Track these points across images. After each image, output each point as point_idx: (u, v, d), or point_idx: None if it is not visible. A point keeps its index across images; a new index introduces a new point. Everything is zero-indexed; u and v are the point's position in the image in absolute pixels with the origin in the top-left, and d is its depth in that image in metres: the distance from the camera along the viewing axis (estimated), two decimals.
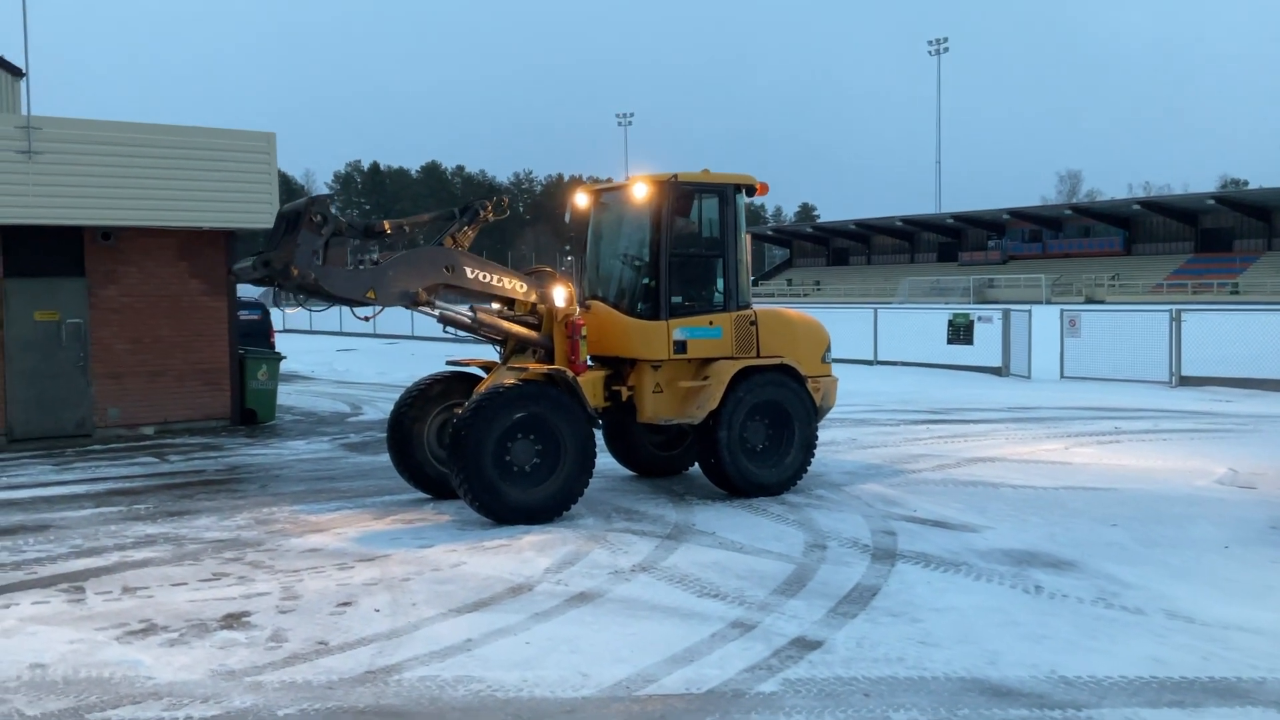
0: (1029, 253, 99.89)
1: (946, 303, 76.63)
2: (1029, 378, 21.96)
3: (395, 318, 50.69)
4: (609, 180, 11.74)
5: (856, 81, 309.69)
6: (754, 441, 10.69)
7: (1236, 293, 78.90)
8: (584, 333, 10.21)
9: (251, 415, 17.73)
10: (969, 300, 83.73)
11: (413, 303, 9.78)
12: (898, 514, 9.73)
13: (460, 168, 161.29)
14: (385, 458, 13.98)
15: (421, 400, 10.83)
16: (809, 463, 10.95)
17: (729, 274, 10.88)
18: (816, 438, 11.00)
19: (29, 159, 14.87)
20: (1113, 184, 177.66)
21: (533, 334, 10.45)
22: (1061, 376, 21.88)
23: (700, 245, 10.99)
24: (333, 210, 9.50)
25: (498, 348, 11.13)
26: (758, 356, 10.86)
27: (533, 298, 10.41)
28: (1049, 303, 75.16)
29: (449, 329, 10.58)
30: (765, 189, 11.14)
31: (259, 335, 24.43)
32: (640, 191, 10.54)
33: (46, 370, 15.79)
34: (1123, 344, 21.27)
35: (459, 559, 8.40)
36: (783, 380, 10.75)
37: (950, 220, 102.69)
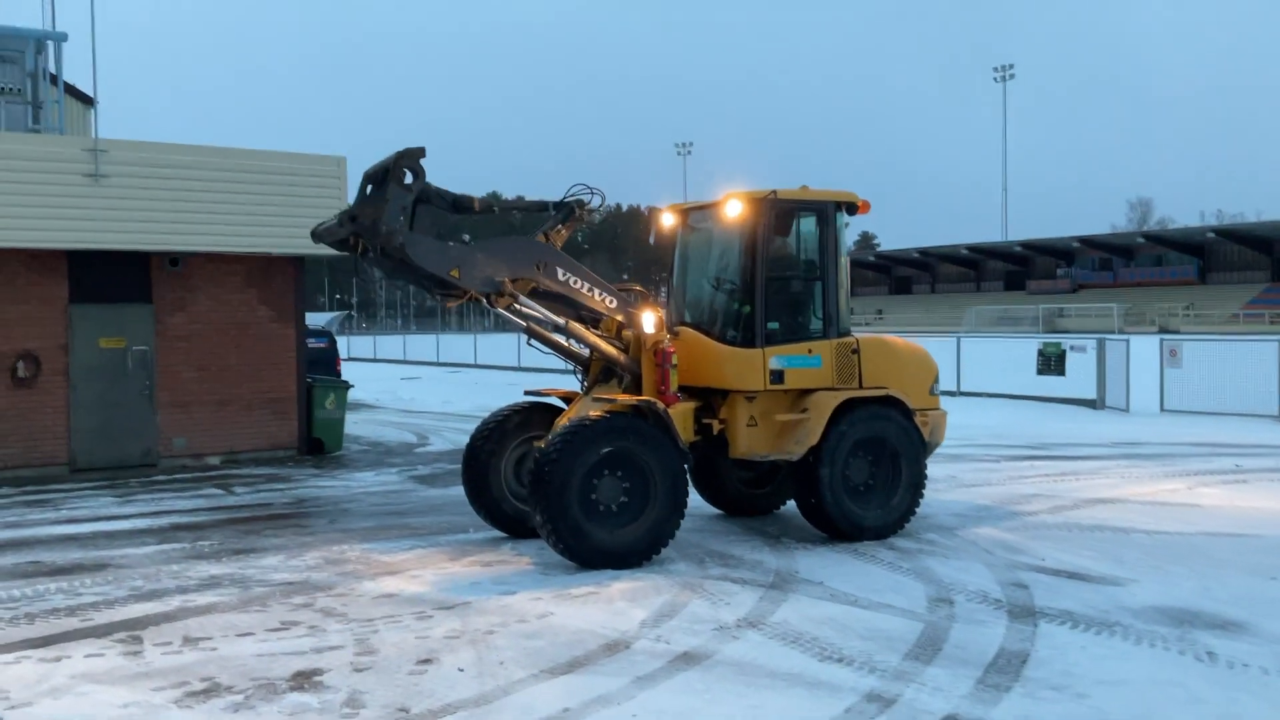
0: (1099, 281, 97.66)
1: (1016, 332, 74.85)
2: (1127, 411, 20.79)
3: (457, 347, 50.53)
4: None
5: (920, 108, 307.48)
6: (857, 480, 9.86)
7: None
8: (674, 361, 9.46)
9: (318, 445, 17.22)
10: (1038, 329, 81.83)
11: (496, 293, 9.08)
12: (1024, 563, 8.83)
13: (520, 197, 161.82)
14: (456, 491, 13.38)
15: (499, 433, 10.14)
16: (917, 504, 10.09)
17: (829, 298, 10.09)
18: (925, 477, 10.13)
19: (96, 182, 14.53)
20: (1185, 211, 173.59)
21: (621, 355, 9.71)
22: (1162, 410, 20.70)
23: (798, 267, 10.21)
24: (423, 166, 8.79)
25: (578, 374, 10.42)
26: (860, 388, 10.04)
27: (619, 317, 9.67)
28: (1122, 332, 73.17)
29: (533, 342, 9.93)
30: (867, 207, 10.37)
31: (325, 363, 24.05)
32: (734, 209, 9.80)
33: (111, 399, 15.38)
34: (1226, 376, 20.07)
35: (545, 608, 7.65)
36: (888, 414, 9.92)
37: (1018, 248, 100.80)
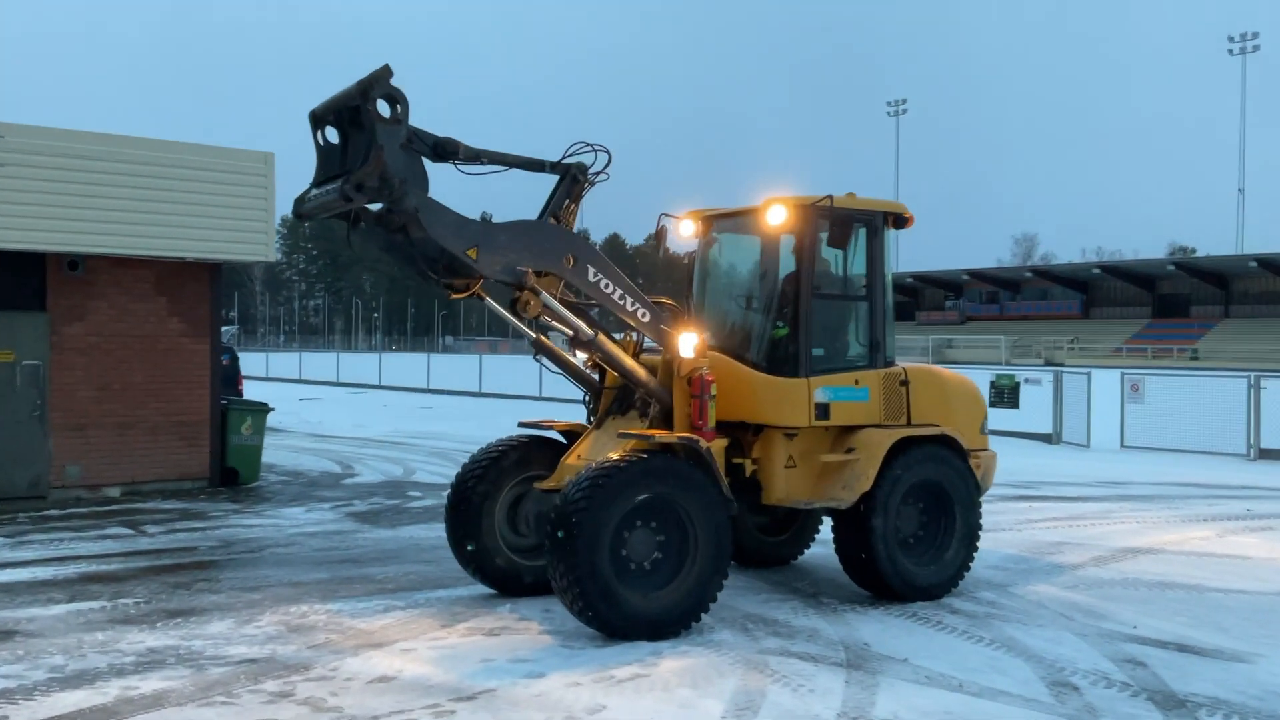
0: (986, 314, 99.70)
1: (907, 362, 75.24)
2: (1088, 446, 20.14)
3: (361, 366, 48.07)
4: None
5: (814, 140, 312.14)
6: (906, 531, 8.64)
7: (1196, 358, 78.89)
8: (714, 391, 8.07)
9: (232, 475, 15.31)
10: (927, 360, 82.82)
11: (516, 286, 7.51)
12: (1116, 631, 7.68)
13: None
14: (408, 533, 11.78)
15: (494, 472, 8.60)
16: (972, 559, 8.91)
17: (876, 322, 8.87)
18: (980, 527, 8.95)
19: None
20: (1067, 248, 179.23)
21: (651, 379, 8.28)
22: (1122, 446, 20.10)
23: (844, 286, 8.95)
24: (401, 90, 6.97)
25: (587, 401, 8.97)
26: (908, 425, 8.82)
27: (650, 334, 8.20)
28: (1008, 364, 74.35)
29: (539, 358, 8.44)
30: (913, 221, 9.20)
31: (227, 382, 21.99)
32: (777, 217, 8.49)
33: None
34: (1189, 412, 19.57)
35: (593, 699, 6.18)
36: (944, 455, 8.72)
37: (909, 279, 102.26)
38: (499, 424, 25.79)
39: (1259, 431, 18.40)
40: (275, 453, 19.62)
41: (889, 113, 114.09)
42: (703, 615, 7.64)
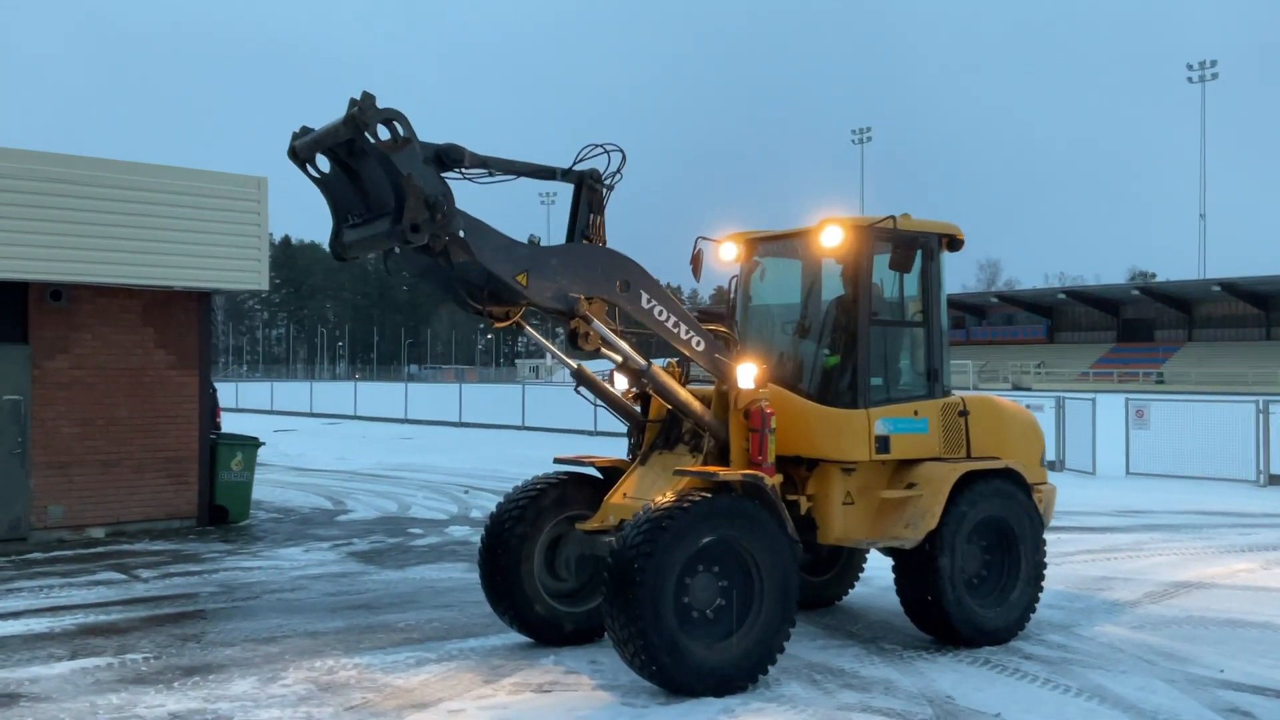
0: (953, 339, 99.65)
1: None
2: (1093, 474, 19.81)
3: (334, 396, 47.11)
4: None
5: (779, 168, 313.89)
6: (970, 571, 8.16)
7: (1162, 382, 79.52)
8: (774, 425, 7.55)
9: (221, 513, 14.59)
10: None
11: (567, 314, 6.97)
12: (1205, 676, 7.23)
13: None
14: (417, 573, 11.18)
15: (532, 512, 8.03)
16: (1037, 599, 8.43)
17: (934, 349, 8.43)
18: (1045, 565, 8.48)
19: None
20: (1031, 273, 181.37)
21: (706, 412, 7.73)
22: (1128, 473, 19.80)
23: (901, 311, 8.49)
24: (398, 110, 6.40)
25: (630, 434, 8.44)
26: (969, 458, 8.37)
27: (704, 364, 7.66)
28: (976, 389, 74.54)
29: (581, 389, 7.92)
30: (964, 244, 8.79)
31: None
32: (833, 239, 8.02)
33: None
34: (1195, 438, 19.31)
35: None
36: (1010, 490, 8.25)
37: None
38: (486, 455, 25.24)
39: (1269, 457, 18.15)
40: (259, 488, 18.76)
41: (854, 140, 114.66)
42: (771, 667, 7.11)
